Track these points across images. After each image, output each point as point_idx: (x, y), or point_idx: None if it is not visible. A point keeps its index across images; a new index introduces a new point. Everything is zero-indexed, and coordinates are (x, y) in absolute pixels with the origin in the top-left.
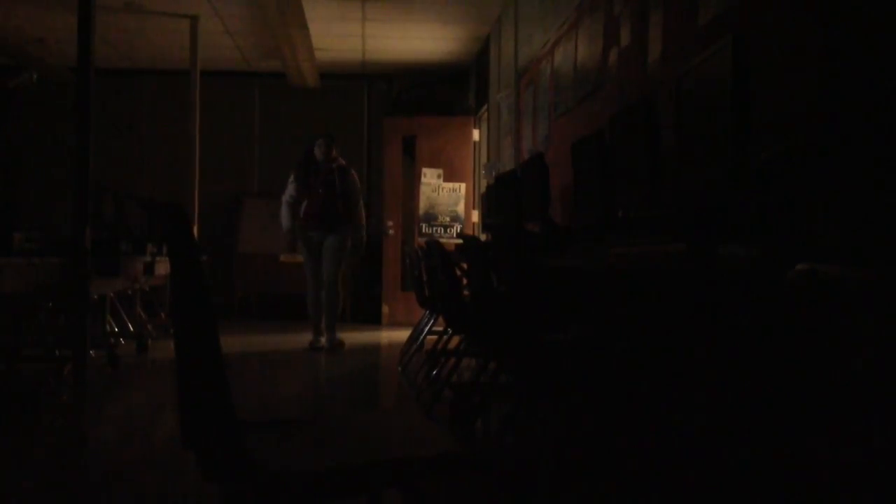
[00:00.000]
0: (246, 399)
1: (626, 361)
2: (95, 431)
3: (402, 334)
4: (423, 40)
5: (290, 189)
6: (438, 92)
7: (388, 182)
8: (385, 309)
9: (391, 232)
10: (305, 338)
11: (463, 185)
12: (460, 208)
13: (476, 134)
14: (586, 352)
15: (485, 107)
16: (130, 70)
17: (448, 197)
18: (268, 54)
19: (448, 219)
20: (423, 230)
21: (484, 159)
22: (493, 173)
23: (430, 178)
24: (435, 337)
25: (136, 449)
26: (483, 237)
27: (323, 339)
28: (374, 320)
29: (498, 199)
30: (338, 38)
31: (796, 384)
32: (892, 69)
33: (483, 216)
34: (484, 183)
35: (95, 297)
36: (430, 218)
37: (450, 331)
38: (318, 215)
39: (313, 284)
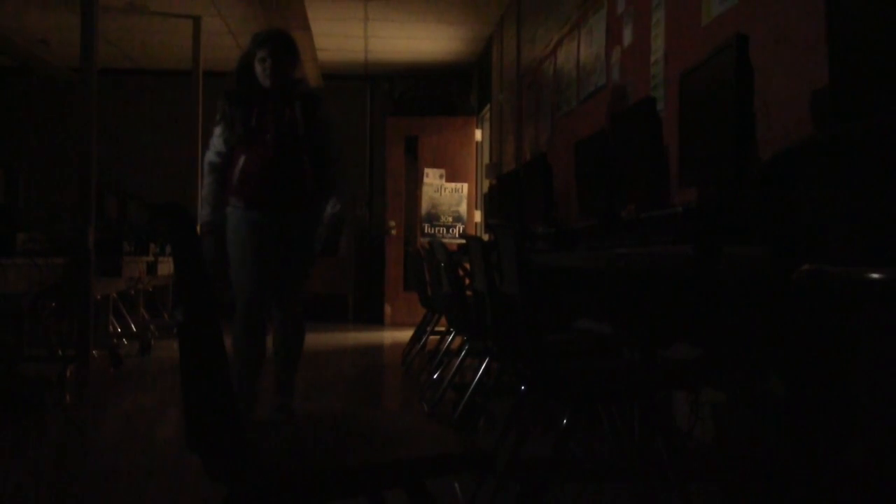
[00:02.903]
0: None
1: (631, 361)
2: (98, 432)
3: (405, 334)
4: (426, 40)
5: (216, 140)
6: (441, 92)
7: (390, 182)
8: (387, 309)
9: (393, 232)
10: (307, 337)
11: (465, 186)
12: (462, 208)
13: (478, 134)
14: (590, 352)
15: (487, 107)
16: (133, 70)
17: (450, 197)
18: None
19: (450, 219)
20: (426, 230)
21: (486, 159)
22: (496, 173)
23: (432, 179)
24: (437, 337)
25: (139, 449)
26: (485, 237)
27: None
28: (377, 320)
29: (500, 199)
30: (340, 38)
31: (802, 384)
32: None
33: (485, 216)
34: (486, 183)
35: (98, 297)
36: (433, 218)
37: (452, 331)
38: (266, 181)
39: (250, 305)
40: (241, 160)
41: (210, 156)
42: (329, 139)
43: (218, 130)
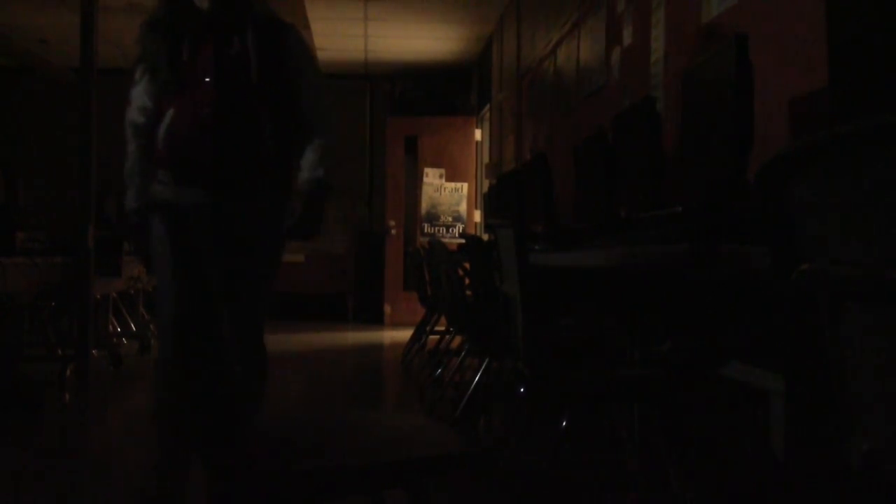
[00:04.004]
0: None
1: (630, 361)
2: (98, 431)
3: (405, 334)
4: (426, 40)
5: (138, 90)
6: (441, 92)
7: (390, 182)
8: (387, 309)
9: (393, 232)
10: (307, 337)
11: (465, 185)
12: (462, 208)
13: (478, 134)
14: (590, 352)
15: (487, 106)
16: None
17: (450, 197)
18: None
19: (450, 219)
20: (426, 230)
21: (486, 159)
22: (496, 173)
23: (432, 178)
24: (437, 337)
25: (139, 449)
26: (485, 237)
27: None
28: (377, 320)
29: (500, 199)
30: (340, 38)
31: (801, 385)
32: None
33: (485, 216)
34: (486, 183)
35: (98, 296)
36: (433, 218)
37: (452, 331)
38: (202, 146)
39: (175, 327)
40: (169, 115)
41: (132, 114)
42: (301, 84)
43: (140, 75)
